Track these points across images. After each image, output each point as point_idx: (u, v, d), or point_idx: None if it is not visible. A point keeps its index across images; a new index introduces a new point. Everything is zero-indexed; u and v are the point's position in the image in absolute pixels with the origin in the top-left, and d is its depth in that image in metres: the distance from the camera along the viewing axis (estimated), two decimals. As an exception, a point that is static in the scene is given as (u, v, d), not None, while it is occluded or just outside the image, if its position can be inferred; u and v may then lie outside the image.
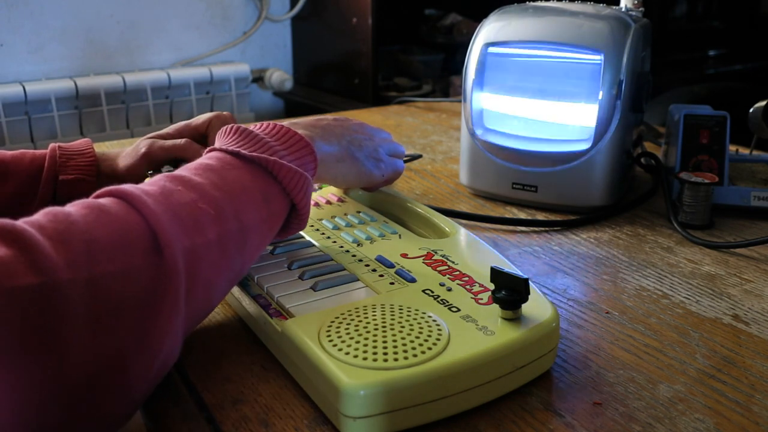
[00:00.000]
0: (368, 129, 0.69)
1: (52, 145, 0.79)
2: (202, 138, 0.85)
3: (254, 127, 0.57)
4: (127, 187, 0.45)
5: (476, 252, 0.59)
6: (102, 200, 0.44)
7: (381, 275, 0.55)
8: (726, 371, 0.51)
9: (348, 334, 0.45)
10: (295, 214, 0.55)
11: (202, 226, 0.45)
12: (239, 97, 1.78)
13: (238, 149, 0.52)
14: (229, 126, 0.56)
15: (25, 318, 0.36)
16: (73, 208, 0.42)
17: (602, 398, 0.47)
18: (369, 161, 0.66)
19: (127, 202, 0.43)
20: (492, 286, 0.49)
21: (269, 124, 0.57)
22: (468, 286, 0.52)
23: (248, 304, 0.53)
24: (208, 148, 0.55)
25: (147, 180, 0.51)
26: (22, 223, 0.39)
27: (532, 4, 0.85)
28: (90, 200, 0.43)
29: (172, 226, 0.43)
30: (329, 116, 0.68)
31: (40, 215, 0.41)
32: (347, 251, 0.59)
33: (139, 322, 0.40)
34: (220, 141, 0.56)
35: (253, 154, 0.52)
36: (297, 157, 0.55)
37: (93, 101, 1.58)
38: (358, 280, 0.54)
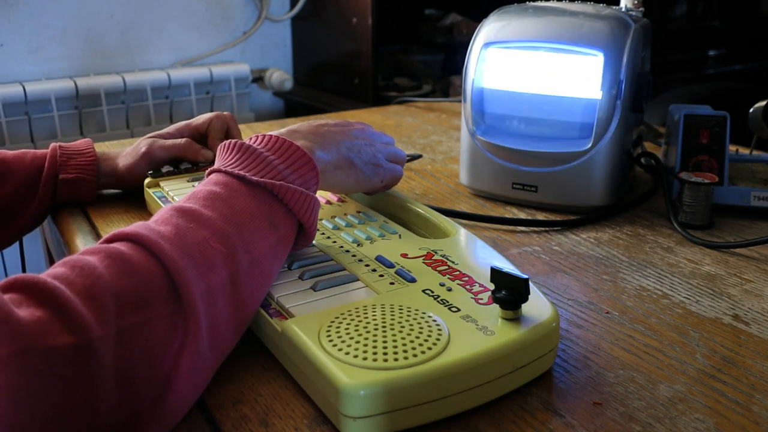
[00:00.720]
0: (369, 133, 0.68)
1: (52, 144, 0.80)
2: (202, 138, 0.85)
3: (254, 141, 0.56)
4: (142, 230, 0.45)
5: (476, 252, 0.59)
6: (120, 247, 0.44)
7: (381, 275, 0.55)
8: (726, 371, 0.51)
9: (348, 334, 0.45)
10: (303, 233, 0.55)
11: (215, 265, 0.45)
12: (239, 97, 1.78)
13: (243, 173, 0.52)
14: (230, 142, 0.56)
15: (61, 376, 0.37)
16: (94, 258, 0.42)
17: (602, 398, 0.47)
18: (368, 167, 0.65)
19: (144, 247, 0.44)
20: (492, 286, 0.49)
21: (269, 137, 0.57)
22: (468, 286, 0.52)
23: (248, 304, 0.53)
24: (209, 169, 0.55)
25: (157, 211, 0.50)
26: (51, 279, 0.39)
27: (532, 4, 0.85)
28: (109, 247, 0.44)
29: (188, 270, 0.43)
30: (331, 120, 0.67)
31: (66, 268, 0.41)
32: (347, 251, 0.59)
33: (161, 368, 0.41)
34: (221, 159, 0.55)
35: (259, 179, 0.52)
36: (300, 174, 0.54)
37: (93, 101, 1.58)
38: (358, 280, 0.54)
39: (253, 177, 0.52)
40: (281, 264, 0.54)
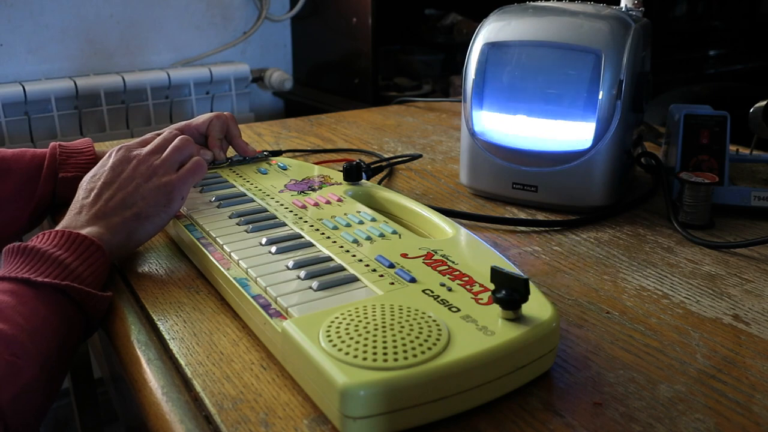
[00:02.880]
0: (143, 160, 0.67)
1: (52, 143, 0.80)
2: (202, 138, 0.85)
3: (40, 240, 0.58)
4: None
5: (476, 252, 0.59)
6: None
7: (381, 275, 0.55)
8: (726, 371, 0.51)
9: (348, 334, 0.45)
10: (87, 327, 0.58)
11: (13, 376, 0.48)
12: (239, 97, 1.78)
13: (27, 276, 0.54)
14: (13, 246, 0.57)
15: None
16: None
17: (602, 398, 0.47)
18: (159, 205, 0.65)
19: None
20: (492, 286, 0.49)
21: (56, 233, 0.58)
22: (468, 286, 0.52)
23: (248, 304, 0.53)
24: None
25: None
26: None
27: (532, 4, 0.85)
28: None
29: None
30: (104, 169, 0.67)
31: None
32: (347, 251, 0.59)
33: None
34: (8, 266, 0.56)
35: (45, 280, 0.54)
36: (90, 264, 0.57)
37: (93, 101, 1.58)
38: (358, 280, 0.54)
39: (38, 278, 0.53)
40: (71, 351, 0.56)
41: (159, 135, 0.73)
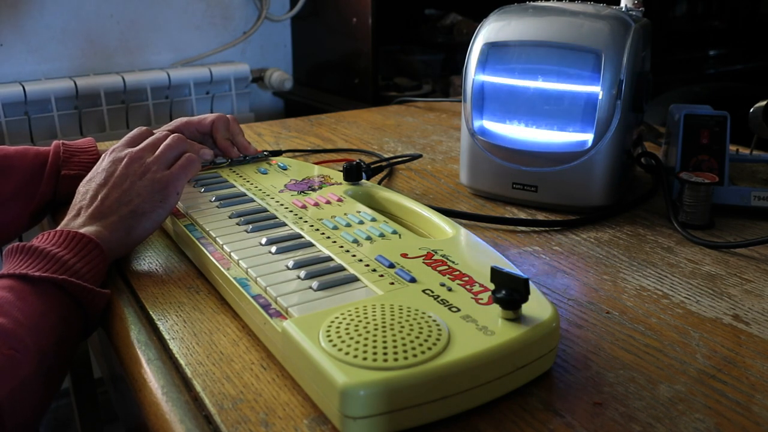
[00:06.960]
0: (135, 157, 0.67)
1: (56, 142, 0.80)
2: (202, 137, 0.85)
3: (40, 240, 0.59)
4: None
5: (476, 252, 0.59)
6: None
7: (381, 275, 0.55)
8: (726, 371, 0.51)
9: (348, 334, 0.45)
10: (86, 323, 0.59)
11: (11, 370, 0.48)
12: (239, 97, 1.78)
13: (25, 271, 0.55)
14: (14, 246, 0.58)
15: None
16: None
17: (602, 398, 0.47)
18: (155, 201, 0.65)
19: None
20: (492, 286, 0.49)
21: (55, 232, 0.59)
22: (468, 286, 0.52)
23: (248, 304, 0.53)
24: None
25: None
26: None
27: (532, 4, 0.85)
28: None
29: None
30: (99, 169, 0.68)
31: None
32: (347, 251, 0.59)
33: None
34: (8, 264, 0.57)
35: (42, 275, 0.55)
36: (88, 261, 0.58)
37: (93, 101, 1.58)
38: (358, 280, 0.54)
39: (35, 273, 0.54)
40: (73, 345, 0.57)
41: (142, 130, 0.73)
